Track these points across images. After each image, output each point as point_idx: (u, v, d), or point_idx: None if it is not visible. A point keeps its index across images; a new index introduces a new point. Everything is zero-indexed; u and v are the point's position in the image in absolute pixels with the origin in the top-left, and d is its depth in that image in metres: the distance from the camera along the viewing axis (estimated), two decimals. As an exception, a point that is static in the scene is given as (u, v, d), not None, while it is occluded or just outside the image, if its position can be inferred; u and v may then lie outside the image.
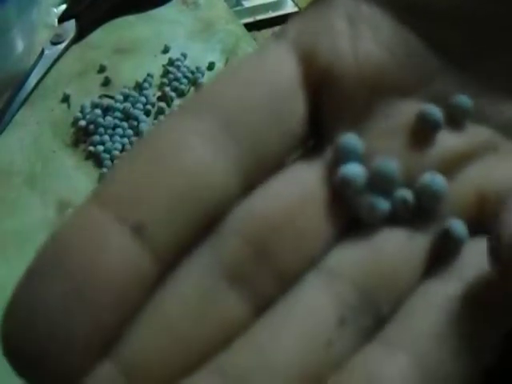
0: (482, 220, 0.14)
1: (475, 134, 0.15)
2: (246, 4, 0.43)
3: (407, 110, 0.14)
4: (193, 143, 0.13)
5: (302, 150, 0.14)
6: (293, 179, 0.14)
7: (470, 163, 0.14)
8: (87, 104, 0.38)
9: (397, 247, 0.13)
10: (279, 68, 0.14)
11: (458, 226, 0.14)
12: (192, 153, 0.12)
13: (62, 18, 0.40)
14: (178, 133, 0.13)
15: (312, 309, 0.12)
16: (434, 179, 0.14)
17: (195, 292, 0.12)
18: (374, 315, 0.13)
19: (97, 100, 0.38)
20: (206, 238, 0.13)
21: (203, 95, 0.14)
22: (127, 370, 0.11)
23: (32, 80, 0.39)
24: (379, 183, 0.14)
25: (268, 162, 0.13)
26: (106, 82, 0.39)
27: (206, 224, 0.13)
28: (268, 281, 0.13)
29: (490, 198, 0.14)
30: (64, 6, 0.40)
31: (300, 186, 0.13)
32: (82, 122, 0.37)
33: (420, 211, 0.14)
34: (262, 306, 0.13)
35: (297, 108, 0.14)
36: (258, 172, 0.13)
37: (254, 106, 0.13)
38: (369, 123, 0.14)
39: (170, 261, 0.12)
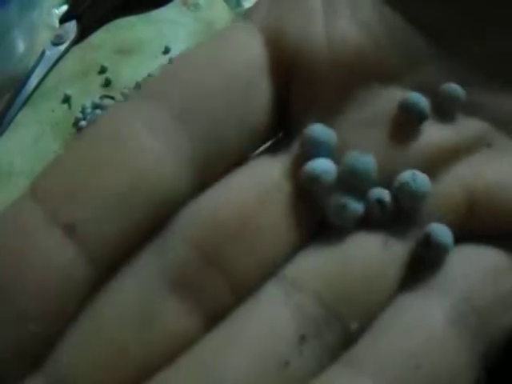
0: (470, 224, 0.12)
1: (466, 126, 0.13)
2: (247, 5, 0.41)
3: (388, 99, 0.12)
4: (139, 133, 0.11)
5: (271, 144, 0.13)
6: (252, 175, 0.12)
7: (460, 160, 0.12)
8: (88, 105, 0.37)
9: (369, 255, 0.11)
10: (242, 51, 0.12)
11: (441, 232, 0.11)
12: (137, 143, 0.11)
13: (63, 19, 0.39)
14: (123, 121, 0.11)
15: (268, 323, 0.11)
16: (415, 177, 0.12)
17: (136, 301, 0.11)
18: (340, 332, 0.11)
19: (98, 101, 0.37)
20: (152, 240, 0.11)
21: (155, 80, 0.12)
22: None
23: (33, 81, 0.38)
24: (351, 181, 0.12)
25: (227, 156, 0.12)
26: (107, 83, 0.38)
27: (152, 225, 0.11)
28: (220, 290, 0.11)
29: (480, 200, 0.12)
30: (65, 7, 0.39)
31: (260, 183, 0.12)
32: (83, 123, 0.36)
33: (398, 214, 0.12)
34: (214, 318, 0.11)
35: (261, 95, 0.12)
36: (215, 167, 0.11)
37: (211, 93, 0.11)
38: (343, 113, 0.12)
39: (108, 265, 0.11)
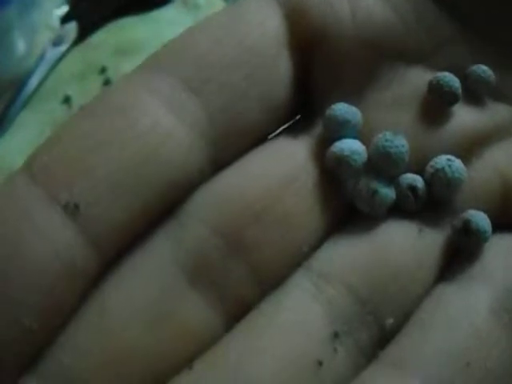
0: (504, 213, 0.11)
1: (496, 111, 0.11)
2: (247, 4, 0.40)
3: (416, 79, 0.11)
4: (149, 105, 0.10)
5: (289, 125, 0.11)
6: (276, 155, 0.10)
7: (492, 145, 0.11)
8: (88, 105, 0.36)
9: (404, 244, 0.10)
10: (260, 24, 0.11)
11: (481, 218, 0.10)
12: (147, 117, 0.09)
13: (64, 20, 0.37)
14: (131, 93, 0.10)
15: (299, 319, 0.09)
16: (451, 164, 0.10)
17: (148, 294, 0.09)
18: (375, 329, 0.09)
19: (98, 101, 0.36)
20: (163, 224, 0.09)
21: (168, 50, 0.10)
22: None
23: (33, 81, 0.36)
24: (383, 164, 0.10)
25: (246, 132, 0.10)
26: (107, 83, 0.37)
27: (164, 206, 0.09)
28: (243, 281, 0.09)
29: None
30: (65, 8, 0.38)
31: (284, 163, 0.10)
32: (83, 124, 0.35)
33: (431, 201, 0.10)
34: (236, 312, 0.09)
35: (281, 72, 0.11)
36: (233, 144, 0.10)
37: (229, 65, 0.10)
38: (369, 93, 0.11)
39: (115, 251, 0.09)
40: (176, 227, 0.09)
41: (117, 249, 0.09)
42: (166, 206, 0.09)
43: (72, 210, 0.09)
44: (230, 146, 0.10)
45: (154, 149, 0.09)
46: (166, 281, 0.09)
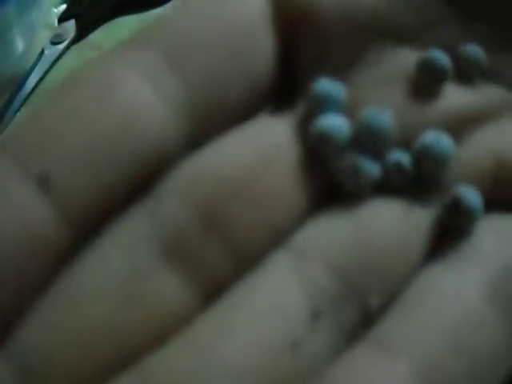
0: (496, 192, 0.10)
1: (488, 91, 0.11)
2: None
3: (405, 57, 0.11)
4: (126, 77, 0.09)
5: (273, 104, 0.11)
6: (255, 133, 0.10)
7: (483, 125, 0.11)
8: (87, 104, 0.35)
9: (390, 222, 0.10)
10: (244, 2, 0.10)
11: (472, 195, 0.10)
12: (124, 87, 0.09)
13: (62, 18, 0.37)
14: (109, 64, 0.09)
15: (275, 298, 0.09)
16: (439, 139, 0.10)
17: (121, 268, 0.09)
18: (358, 308, 0.09)
19: (96, 100, 0.35)
20: (138, 200, 0.09)
21: (150, 26, 0.10)
22: (23, 372, 0.08)
23: (32, 80, 0.36)
24: (367, 140, 0.10)
25: (226, 109, 0.10)
26: (106, 82, 0.37)
27: (140, 181, 0.09)
28: (220, 258, 0.09)
29: (508, 166, 0.10)
30: (64, 6, 0.38)
31: (264, 141, 0.10)
32: (82, 122, 0.34)
33: (419, 179, 0.10)
34: (212, 291, 0.09)
35: (264, 49, 0.10)
36: (212, 122, 0.10)
37: (210, 42, 0.10)
38: (355, 71, 0.11)
39: (87, 225, 0.09)
40: (151, 202, 0.09)
41: (90, 223, 0.09)
42: (141, 181, 0.09)
43: (44, 182, 0.08)
44: (209, 123, 0.10)
45: (130, 121, 0.09)
46: (139, 257, 0.09)
